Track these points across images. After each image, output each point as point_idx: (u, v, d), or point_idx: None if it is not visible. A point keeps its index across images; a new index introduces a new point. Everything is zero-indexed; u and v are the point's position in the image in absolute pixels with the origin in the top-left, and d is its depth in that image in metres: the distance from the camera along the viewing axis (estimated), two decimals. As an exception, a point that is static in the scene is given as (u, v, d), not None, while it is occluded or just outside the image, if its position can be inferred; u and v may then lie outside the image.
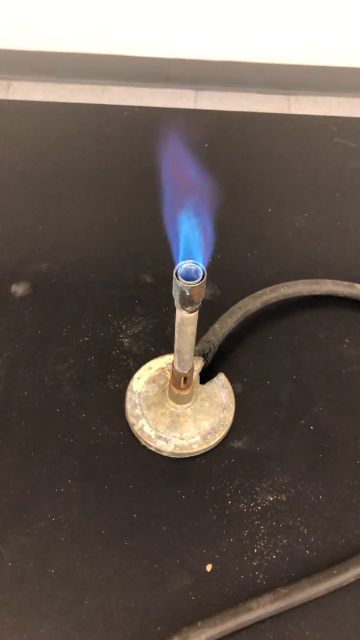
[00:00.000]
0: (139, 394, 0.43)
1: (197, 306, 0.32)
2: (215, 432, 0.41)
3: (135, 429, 0.41)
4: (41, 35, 1.65)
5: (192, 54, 1.67)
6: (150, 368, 0.44)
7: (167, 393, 0.42)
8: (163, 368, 0.44)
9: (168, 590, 0.36)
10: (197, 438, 0.41)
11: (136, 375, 0.44)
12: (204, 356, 0.44)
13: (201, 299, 0.32)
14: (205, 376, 0.44)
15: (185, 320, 0.34)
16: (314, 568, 0.37)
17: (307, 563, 0.37)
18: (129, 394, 0.43)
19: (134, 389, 0.43)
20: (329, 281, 0.49)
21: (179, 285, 0.31)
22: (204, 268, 0.31)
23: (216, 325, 0.45)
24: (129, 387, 0.43)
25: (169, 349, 0.46)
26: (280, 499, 0.40)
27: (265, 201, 0.57)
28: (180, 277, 0.31)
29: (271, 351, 0.47)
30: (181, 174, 0.34)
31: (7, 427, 0.42)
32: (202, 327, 0.42)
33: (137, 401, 0.43)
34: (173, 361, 0.39)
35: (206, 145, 0.61)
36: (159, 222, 0.55)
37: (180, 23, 1.60)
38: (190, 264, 0.31)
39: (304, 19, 1.58)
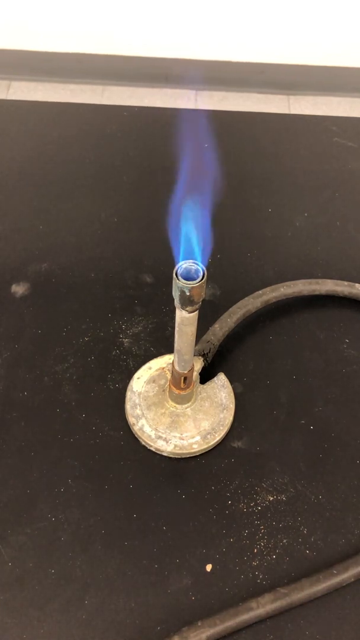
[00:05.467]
0: (139, 394, 0.43)
1: (197, 306, 0.32)
2: (215, 432, 0.41)
3: (135, 429, 0.41)
4: (41, 35, 1.65)
5: (192, 54, 1.67)
6: (150, 368, 0.44)
7: (167, 393, 0.42)
8: (163, 368, 0.44)
9: (168, 590, 0.36)
10: (197, 438, 0.41)
11: (136, 375, 0.44)
12: (204, 356, 0.44)
13: (201, 299, 0.32)
14: (205, 376, 0.44)
15: (185, 320, 0.34)
16: (314, 568, 0.37)
17: (307, 563, 0.37)
18: (129, 394, 0.43)
19: (134, 389, 0.43)
20: (329, 281, 0.49)
21: (179, 285, 0.31)
22: (204, 268, 0.31)
23: (216, 325, 0.45)
24: (129, 387, 0.43)
25: (169, 349, 0.46)
26: (280, 499, 0.40)
27: (265, 201, 0.57)
28: (180, 277, 0.31)
29: (271, 351, 0.47)
30: (181, 174, 0.34)
31: (7, 427, 0.42)
32: (202, 327, 0.42)
33: (137, 401, 0.43)
34: (173, 361, 0.39)
35: (206, 145, 0.61)
36: (159, 222, 0.55)
37: (180, 23, 1.60)
38: (190, 264, 0.31)
39: (304, 19, 1.58)
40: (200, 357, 0.43)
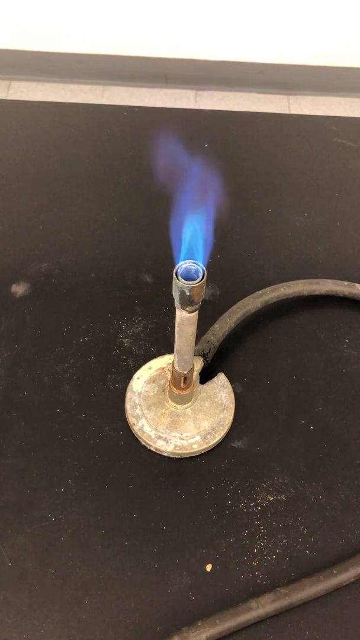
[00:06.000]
0: (139, 394, 0.43)
1: (197, 306, 0.32)
2: (215, 432, 0.41)
3: (135, 429, 0.41)
4: (41, 35, 1.65)
5: (192, 54, 1.67)
6: (150, 368, 0.44)
7: (167, 393, 0.42)
8: (163, 368, 0.44)
9: (168, 590, 0.36)
10: (197, 438, 0.41)
11: (136, 375, 0.44)
12: (204, 356, 0.44)
13: (201, 299, 0.32)
14: (205, 376, 0.44)
15: (185, 320, 0.34)
16: (314, 568, 0.37)
17: (307, 563, 0.37)
18: (129, 394, 0.43)
19: (134, 389, 0.43)
20: (329, 281, 0.49)
21: (179, 285, 0.31)
22: (204, 268, 0.31)
23: (216, 325, 0.45)
24: (129, 387, 0.43)
25: (169, 349, 0.46)
26: (280, 499, 0.40)
27: (265, 201, 0.57)
28: (180, 277, 0.31)
29: (271, 351, 0.47)
30: (181, 174, 0.34)
31: (7, 427, 0.42)
32: (202, 327, 0.42)
33: (137, 401, 0.43)
34: (173, 361, 0.39)
35: (206, 145, 0.61)
36: (159, 222, 0.55)
37: (180, 23, 1.60)
38: (190, 264, 0.31)
39: (304, 19, 1.58)
40: (200, 357, 0.43)
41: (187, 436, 0.41)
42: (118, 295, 0.49)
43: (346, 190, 0.58)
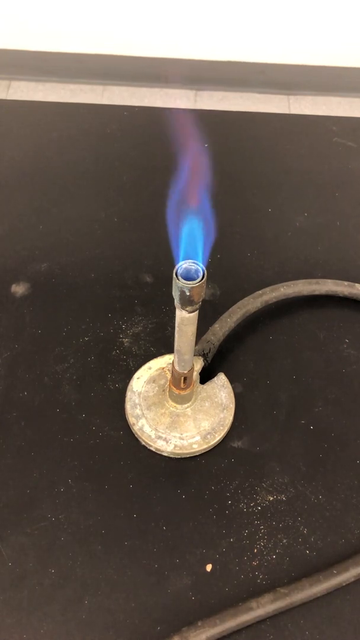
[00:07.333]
0: (139, 394, 0.43)
1: (197, 306, 0.32)
2: (215, 432, 0.41)
3: (135, 429, 0.41)
4: (41, 35, 1.65)
5: (192, 54, 1.67)
6: (150, 368, 0.44)
7: (167, 393, 0.42)
8: (163, 368, 0.44)
9: (168, 590, 0.36)
10: (197, 438, 0.41)
11: (136, 375, 0.44)
12: (204, 356, 0.44)
13: (201, 299, 0.32)
14: (205, 376, 0.44)
15: (185, 320, 0.34)
16: (314, 568, 0.37)
17: (307, 563, 0.37)
18: (129, 394, 0.43)
19: (134, 389, 0.43)
20: (329, 281, 0.49)
21: (179, 285, 0.31)
22: (204, 268, 0.31)
23: (216, 325, 0.45)
24: (129, 387, 0.43)
25: (169, 349, 0.46)
26: (280, 499, 0.40)
27: (265, 201, 0.57)
28: (180, 277, 0.31)
29: (271, 351, 0.47)
30: (181, 173, 0.34)
31: (7, 427, 0.42)
32: (202, 327, 0.42)
33: (137, 401, 0.43)
34: (173, 361, 0.39)
35: (206, 145, 0.61)
36: (159, 222, 0.55)
37: (180, 23, 1.60)
38: (190, 264, 0.31)
39: (304, 19, 1.58)
40: (200, 357, 0.43)
41: (187, 436, 0.41)
42: (118, 295, 0.49)
43: (346, 190, 0.58)
